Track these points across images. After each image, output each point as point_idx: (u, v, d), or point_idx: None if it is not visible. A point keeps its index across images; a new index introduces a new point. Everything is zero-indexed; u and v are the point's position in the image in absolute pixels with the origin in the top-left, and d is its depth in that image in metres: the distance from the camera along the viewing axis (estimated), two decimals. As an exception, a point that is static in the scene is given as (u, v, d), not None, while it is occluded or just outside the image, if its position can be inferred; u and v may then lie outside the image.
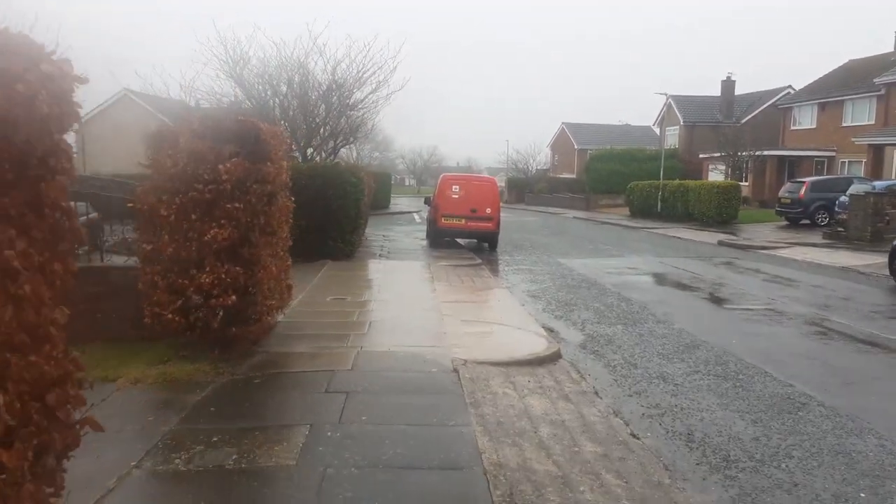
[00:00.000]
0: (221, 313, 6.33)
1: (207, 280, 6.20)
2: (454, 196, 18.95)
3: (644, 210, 36.88)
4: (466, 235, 19.84)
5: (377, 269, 13.71)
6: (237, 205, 6.32)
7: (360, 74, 19.98)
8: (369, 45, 19.61)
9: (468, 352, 7.17)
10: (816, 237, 23.06)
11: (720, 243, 22.21)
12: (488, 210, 18.89)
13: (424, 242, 20.72)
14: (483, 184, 19.44)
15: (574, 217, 39.10)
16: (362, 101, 20.56)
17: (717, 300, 11.57)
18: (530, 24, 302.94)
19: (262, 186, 6.61)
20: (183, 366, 6.37)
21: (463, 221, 18.83)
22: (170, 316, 6.26)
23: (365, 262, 14.83)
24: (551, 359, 7.25)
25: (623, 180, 49.65)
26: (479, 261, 15.95)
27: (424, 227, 28.86)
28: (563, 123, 74.52)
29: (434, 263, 14.99)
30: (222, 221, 6.28)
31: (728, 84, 51.62)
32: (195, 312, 6.31)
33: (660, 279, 13.94)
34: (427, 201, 21.71)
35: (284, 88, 18.79)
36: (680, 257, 17.93)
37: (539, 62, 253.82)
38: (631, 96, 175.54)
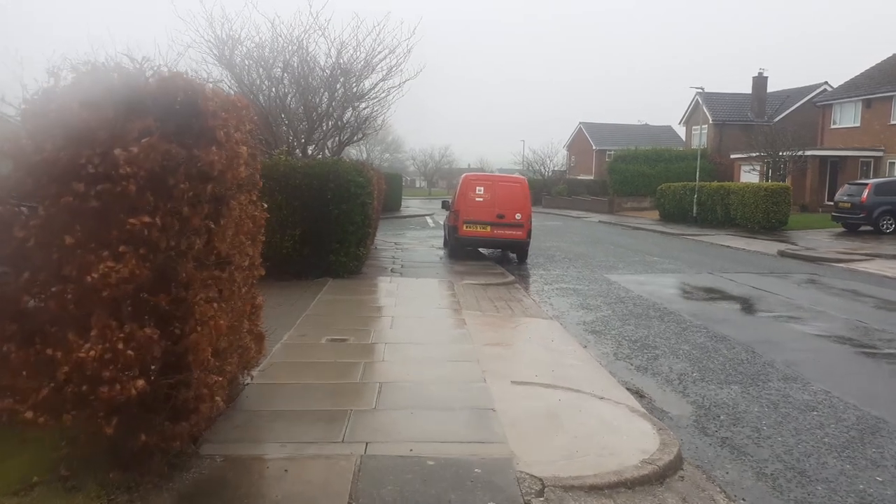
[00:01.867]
0: (121, 411, 3.61)
1: (93, 353, 3.48)
2: (478, 199, 16.21)
3: (676, 214, 34.02)
4: (492, 245, 17.09)
5: (389, 291, 10.96)
6: (148, 218, 3.60)
7: (369, 59, 17.24)
8: (380, 24, 16.83)
9: (540, 455, 4.42)
10: (890, 247, 20.13)
11: (782, 254, 19.33)
12: (518, 216, 16.14)
13: (442, 252, 18.01)
14: (512, 185, 16.66)
15: (599, 221, 36.24)
16: (372, 89, 17.80)
17: (841, 339, 8.73)
18: (545, 18, 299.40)
19: (198, 186, 3.89)
20: (51, 501, 3.64)
21: (488, 229, 16.08)
22: (30, 414, 3.55)
23: (374, 280, 12.08)
24: (673, 467, 4.48)
25: (649, 182, 46.84)
26: (512, 277, 13.19)
27: (439, 233, 26.15)
28: (580, 123, 71.90)
29: (458, 282, 12.23)
30: (121, 248, 3.56)
31: (760, 80, 48.67)
32: (73, 408, 3.60)
33: (746, 305, 11.11)
34: (445, 205, 18.98)
35: (280, 72, 16.06)
36: (748, 273, 15.07)
37: (554, 58, 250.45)
38: (650, 96, 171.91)
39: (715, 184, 31.89)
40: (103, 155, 3.53)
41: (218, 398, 4.43)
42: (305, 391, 5.71)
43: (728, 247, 21.92)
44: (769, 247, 21.37)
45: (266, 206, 10.92)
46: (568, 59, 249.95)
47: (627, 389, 6.29)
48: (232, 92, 16.75)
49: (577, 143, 72.52)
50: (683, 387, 6.60)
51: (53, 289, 3.53)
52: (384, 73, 17.49)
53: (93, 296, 3.52)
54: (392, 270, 13.52)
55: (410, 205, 52.60)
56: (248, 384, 5.64)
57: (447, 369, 6.46)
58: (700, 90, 36.89)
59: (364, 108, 18.14)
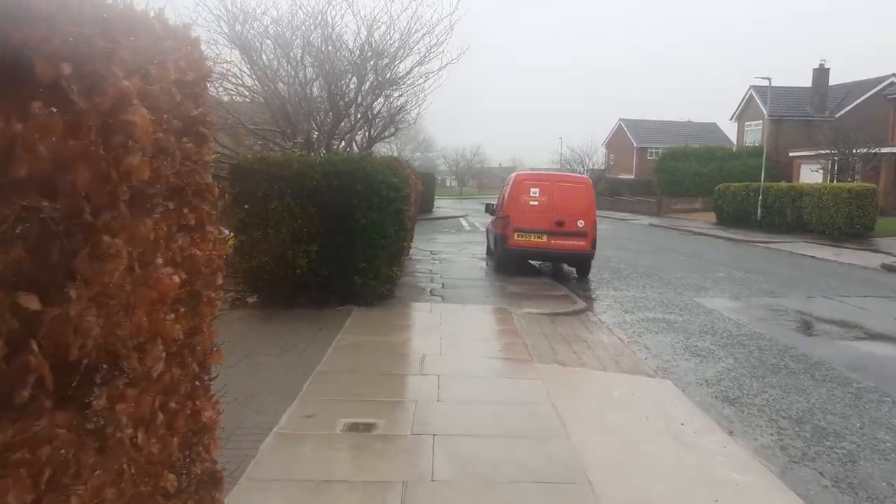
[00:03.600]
0: None
1: None
2: (533, 203, 13.57)
3: (737, 217, 30.92)
4: (549, 258, 14.42)
5: (430, 327, 8.37)
6: None
7: (404, 38, 14.69)
8: (417, -1, 14.25)
9: None
10: None
11: (888, 269, 16.32)
12: (581, 223, 13.45)
13: (484, 264, 15.43)
14: (573, 186, 13.95)
15: (650, 224, 33.28)
16: (407, 74, 15.24)
17: None
18: (582, 10, 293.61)
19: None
20: None
21: (545, 238, 13.43)
22: None
23: (409, 308, 9.50)
24: None
25: (700, 181, 43.73)
26: (583, 304, 10.53)
27: (477, 237, 23.55)
28: (620, 120, 68.86)
29: (516, 310, 9.61)
30: None
31: (821, 73, 45.15)
32: None
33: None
34: (489, 209, 16.36)
35: (300, 52, 13.57)
36: (871, 296, 12.18)
37: (591, 52, 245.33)
38: (692, 93, 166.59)
39: (784, 184, 28.81)
40: None
41: None
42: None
43: (813, 258, 18.94)
44: (865, 258, 18.34)
45: (277, 211, 8.27)
46: (604, 55, 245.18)
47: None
48: (246, 77, 14.39)
49: (617, 141, 69.46)
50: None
51: None
52: (422, 54, 14.95)
53: None
54: (431, 292, 10.93)
55: (442, 205, 50.13)
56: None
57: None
58: (766, 79, 33.32)
59: (398, 97, 15.63)
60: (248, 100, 14.91)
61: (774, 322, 9.73)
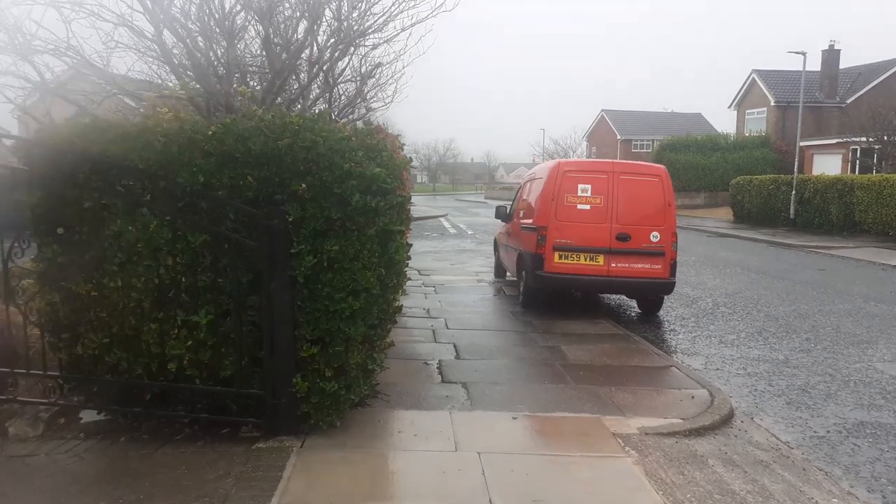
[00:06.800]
0: None
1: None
2: (582, 206, 8.85)
3: (761, 215, 26.70)
4: (607, 289, 9.67)
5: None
6: None
7: (378, -35, 9.79)
8: None
9: None
10: None
11: None
12: (655, 236, 8.79)
13: (493, 291, 10.82)
14: (645, 180, 9.13)
15: (660, 224, 28.81)
16: (386, 19, 10.33)
17: None
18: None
19: None
20: None
21: (601, 261, 8.73)
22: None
23: (404, 441, 4.65)
24: None
25: (703, 174, 39.61)
26: (720, 394, 5.83)
27: (468, 244, 18.86)
28: (602, 111, 64.78)
29: (614, 420, 4.90)
30: None
31: (831, 54, 41.30)
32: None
33: None
34: (501, 214, 11.58)
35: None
36: None
37: (568, 40, 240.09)
38: (674, 82, 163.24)
39: (827, 176, 24.58)
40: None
41: None
42: None
43: (912, 270, 14.62)
44: None
45: (124, 241, 3.30)
46: (585, 45, 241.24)
47: None
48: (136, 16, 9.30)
49: (599, 133, 65.47)
50: None
51: None
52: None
53: None
54: (440, 372, 6.12)
55: (416, 202, 45.38)
56: None
57: None
58: (802, 54, 28.68)
59: (371, 49, 10.72)
60: (161, 60, 9.84)
61: None
